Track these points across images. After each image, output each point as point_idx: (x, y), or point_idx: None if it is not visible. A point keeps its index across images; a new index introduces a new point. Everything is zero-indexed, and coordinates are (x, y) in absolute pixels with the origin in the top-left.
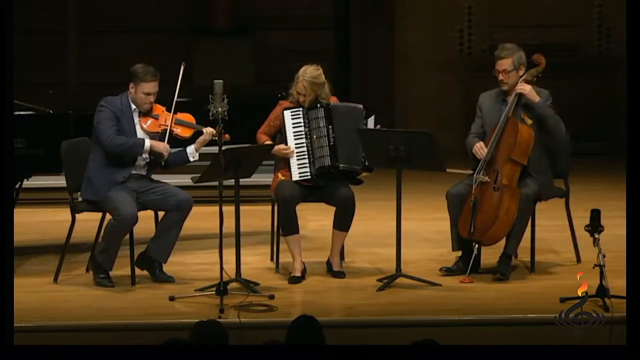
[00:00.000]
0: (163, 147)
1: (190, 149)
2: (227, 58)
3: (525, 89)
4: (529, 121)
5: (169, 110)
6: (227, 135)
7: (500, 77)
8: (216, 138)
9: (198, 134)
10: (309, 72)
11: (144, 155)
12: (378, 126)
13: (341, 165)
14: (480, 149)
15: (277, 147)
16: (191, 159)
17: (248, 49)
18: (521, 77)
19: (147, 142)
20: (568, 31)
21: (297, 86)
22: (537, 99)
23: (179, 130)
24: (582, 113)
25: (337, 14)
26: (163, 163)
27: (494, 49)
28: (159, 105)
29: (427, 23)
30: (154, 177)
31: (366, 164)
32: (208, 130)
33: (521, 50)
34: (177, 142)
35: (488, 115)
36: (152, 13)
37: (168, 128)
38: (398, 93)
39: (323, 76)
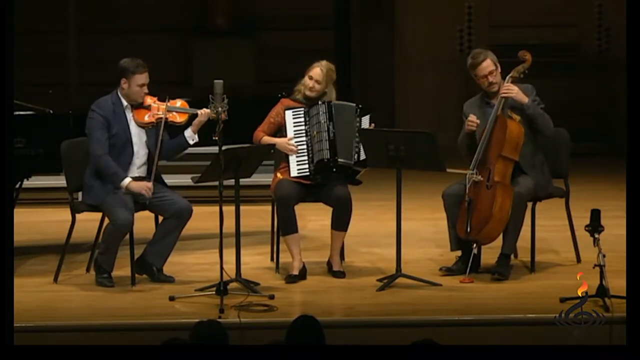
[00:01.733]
0: (142, 186)
1: (189, 133)
2: (227, 58)
3: (513, 91)
4: (517, 117)
5: (161, 99)
6: (223, 115)
7: (490, 79)
8: (215, 127)
9: (194, 118)
10: (326, 62)
11: (141, 152)
12: (372, 125)
13: (340, 160)
14: (472, 120)
15: (280, 140)
16: (191, 142)
17: (248, 49)
18: (509, 75)
19: (126, 181)
20: (568, 31)
21: (312, 71)
22: (526, 99)
23: (173, 118)
24: (582, 113)
25: (337, 14)
26: (147, 202)
27: (494, 49)
28: (150, 96)
29: (427, 23)
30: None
31: (359, 159)
32: (203, 112)
33: (489, 50)
34: (174, 129)
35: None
36: (152, 13)
37: (163, 117)
38: (398, 93)
39: (335, 75)
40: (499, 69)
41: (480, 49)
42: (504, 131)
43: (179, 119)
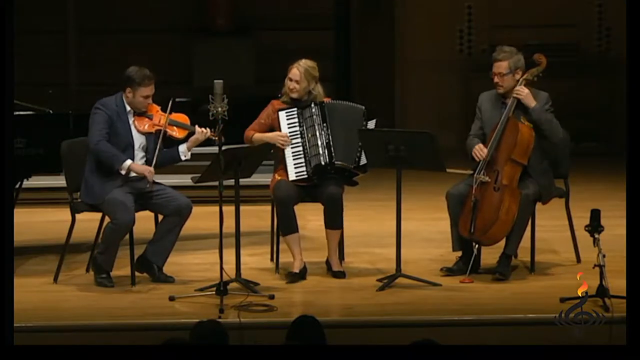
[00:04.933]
0: (144, 169)
1: (183, 148)
2: (227, 58)
3: (522, 93)
4: (527, 124)
5: (163, 109)
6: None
7: (496, 79)
8: (214, 138)
9: (192, 134)
10: (304, 61)
11: (139, 156)
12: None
13: (337, 162)
14: (479, 150)
15: (271, 135)
16: (183, 158)
17: (248, 49)
18: (522, 77)
19: (128, 162)
20: (568, 31)
21: (290, 72)
22: (533, 103)
23: (173, 131)
24: (582, 113)
25: (337, 14)
26: (148, 185)
27: (494, 49)
28: (154, 105)
29: (427, 23)
30: (156, 177)
31: (360, 163)
32: (202, 132)
33: (519, 54)
34: (171, 140)
35: (487, 117)
36: (152, 13)
37: (162, 129)
38: (398, 93)
39: (317, 71)
40: (517, 76)
41: (511, 49)
42: (515, 134)
43: (178, 134)
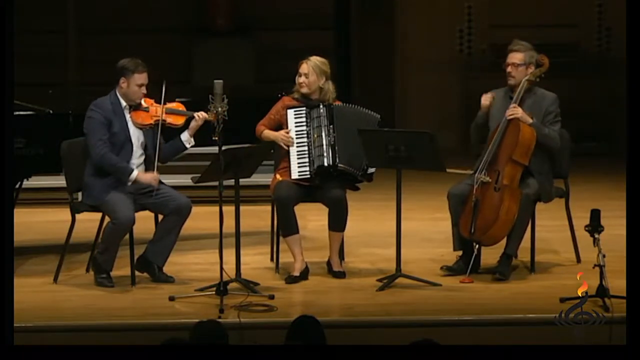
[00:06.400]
0: (150, 178)
1: (185, 136)
2: (227, 58)
3: (517, 113)
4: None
5: (157, 102)
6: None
7: (509, 69)
8: (211, 119)
9: (191, 120)
10: (315, 57)
11: (138, 153)
12: None
13: (340, 165)
14: (484, 97)
15: (278, 133)
16: (188, 146)
17: (248, 49)
18: (525, 77)
19: (135, 173)
20: (568, 31)
21: (300, 67)
22: (530, 121)
23: (171, 120)
24: (582, 113)
25: (337, 14)
26: (154, 194)
27: (494, 48)
28: (148, 98)
29: (427, 23)
30: None
31: (367, 172)
32: (200, 116)
33: (534, 51)
34: (171, 130)
35: (495, 111)
36: (152, 13)
37: (160, 119)
38: (398, 93)
39: (329, 68)
40: (529, 70)
41: (527, 44)
42: (516, 134)
43: (177, 121)
